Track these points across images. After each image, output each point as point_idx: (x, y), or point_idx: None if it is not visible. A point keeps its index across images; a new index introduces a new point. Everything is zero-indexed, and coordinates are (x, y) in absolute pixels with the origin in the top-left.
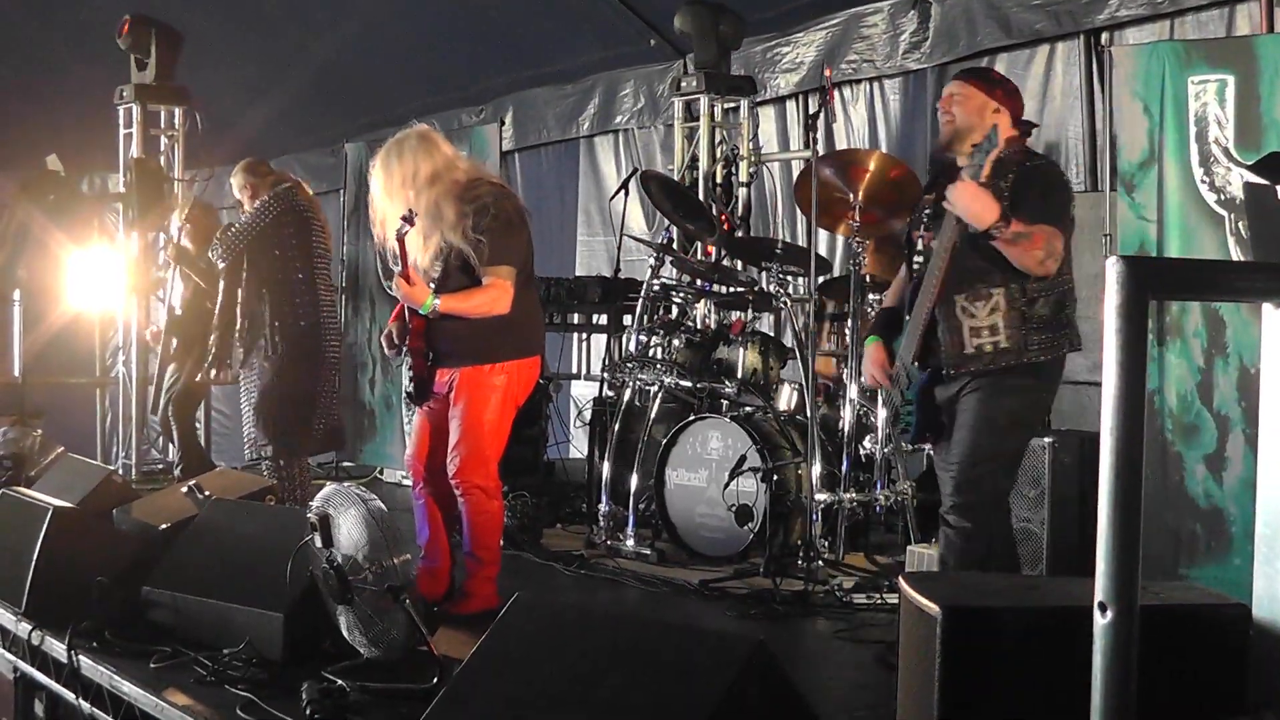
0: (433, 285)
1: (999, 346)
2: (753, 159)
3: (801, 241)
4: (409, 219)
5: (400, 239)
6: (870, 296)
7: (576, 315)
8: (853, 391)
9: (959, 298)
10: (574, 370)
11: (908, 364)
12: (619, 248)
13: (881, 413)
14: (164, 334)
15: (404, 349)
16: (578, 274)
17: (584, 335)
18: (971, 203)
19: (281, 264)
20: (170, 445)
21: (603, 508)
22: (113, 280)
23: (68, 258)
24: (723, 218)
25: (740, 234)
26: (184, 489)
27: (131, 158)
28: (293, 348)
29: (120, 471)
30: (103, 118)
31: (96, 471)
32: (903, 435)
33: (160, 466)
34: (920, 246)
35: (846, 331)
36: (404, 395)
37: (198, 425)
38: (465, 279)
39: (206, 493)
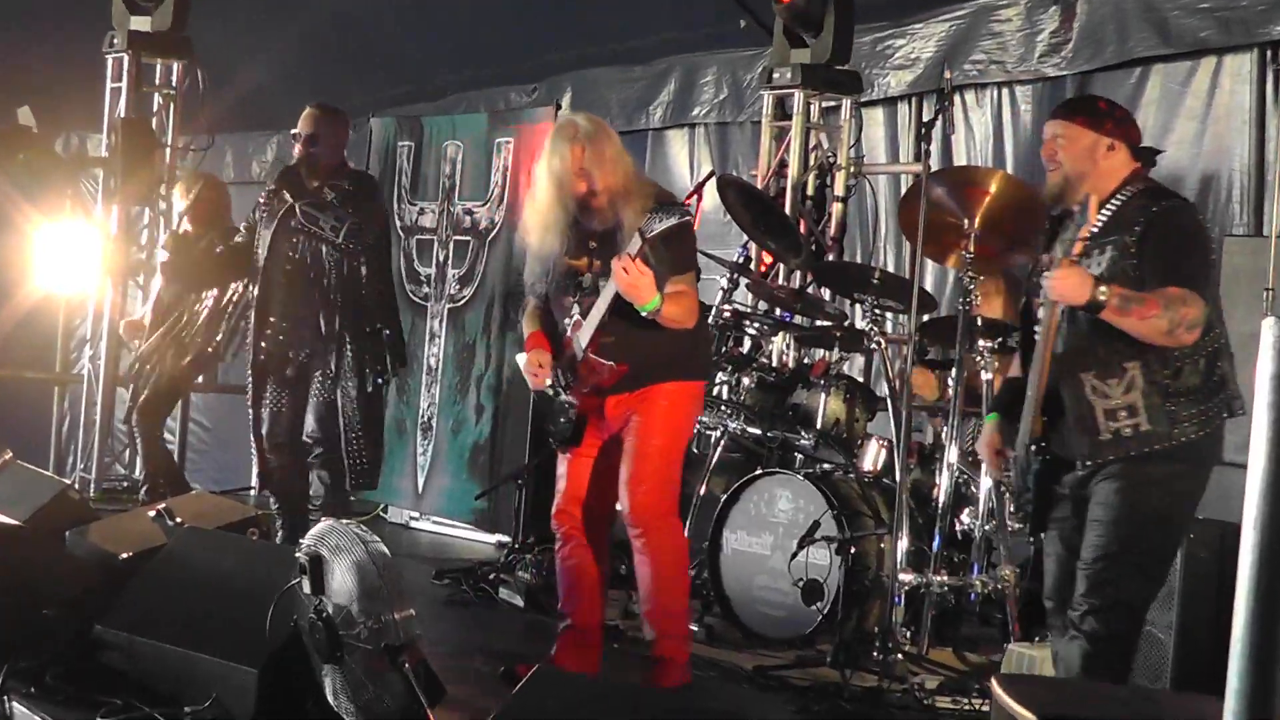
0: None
1: (1140, 429)
2: (852, 169)
3: (904, 272)
4: (680, 209)
5: (651, 237)
6: (981, 343)
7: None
8: (952, 455)
9: (1087, 376)
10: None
11: (1025, 447)
12: None
13: (984, 482)
14: (149, 328)
15: (563, 381)
16: None
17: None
18: (1060, 286)
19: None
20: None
21: None
22: (85, 260)
23: (34, 231)
24: (812, 237)
25: (831, 257)
26: (151, 513)
27: (118, 117)
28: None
29: (77, 486)
30: (87, 67)
31: (49, 484)
32: (1023, 525)
33: (125, 484)
34: (1039, 315)
35: (950, 381)
36: (553, 437)
37: (169, 439)
38: None
39: (178, 519)
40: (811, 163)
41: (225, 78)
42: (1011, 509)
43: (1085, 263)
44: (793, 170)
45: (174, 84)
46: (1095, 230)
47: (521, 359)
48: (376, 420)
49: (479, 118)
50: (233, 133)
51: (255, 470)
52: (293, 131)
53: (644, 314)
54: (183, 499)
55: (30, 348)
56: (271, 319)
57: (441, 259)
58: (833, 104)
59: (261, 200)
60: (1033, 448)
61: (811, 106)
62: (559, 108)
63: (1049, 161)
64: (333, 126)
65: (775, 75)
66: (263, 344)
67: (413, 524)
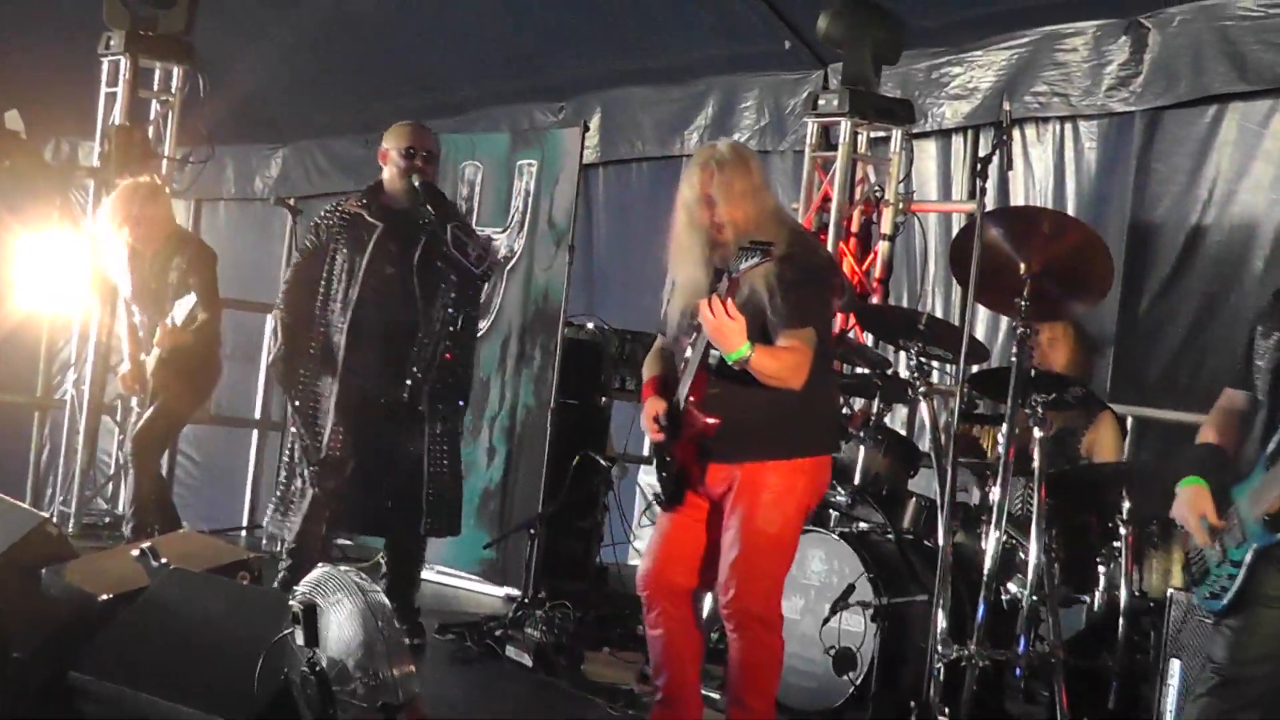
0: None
1: None
2: (901, 206)
3: (953, 318)
4: (763, 247)
5: (739, 276)
6: (1034, 396)
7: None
8: (1000, 517)
9: None
10: (644, 451)
11: (1251, 518)
12: None
13: (1032, 548)
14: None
15: (669, 434)
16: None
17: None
18: None
19: None
20: (123, 492)
21: None
22: (71, 276)
23: (17, 243)
24: (855, 277)
25: (875, 300)
26: (134, 552)
27: (112, 124)
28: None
29: (55, 520)
30: (81, 69)
31: (24, 517)
32: (1208, 600)
33: (107, 519)
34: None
35: (999, 438)
36: (654, 494)
37: (105, 459)
38: (755, 340)
39: (163, 559)
40: (857, 197)
41: (228, 85)
42: (1191, 577)
43: None
44: (836, 204)
45: (173, 90)
46: None
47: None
48: (457, 458)
49: (500, 137)
50: (235, 144)
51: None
52: (395, 150)
53: (730, 362)
54: (169, 538)
55: (9, 369)
56: (358, 354)
57: None
58: (882, 135)
59: (330, 220)
60: (1264, 520)
61: (859, 136)
62: (587, 128)
63: None
64: (437, 145)
65: (821, 102)
66: (350, 381)
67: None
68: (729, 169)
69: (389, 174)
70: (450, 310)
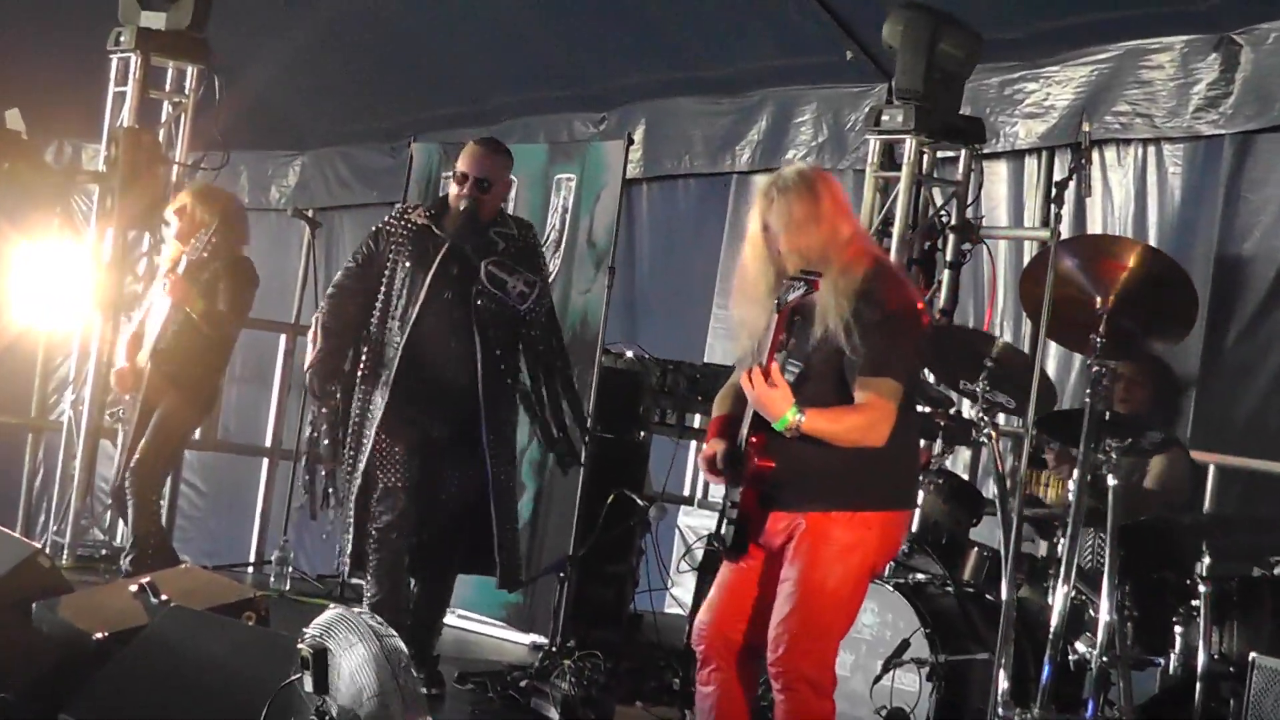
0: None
1: None
2: (969, 232)
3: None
4: (809, 278)
5: (785, 311)
6: (1108, 441)
7: (698, 416)
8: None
9: None
10: (685, 492)
11: None
12: None
13: (1104, 605)
14: (150, 370)
15: (731, 477)
16: (707, 360)
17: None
18: None
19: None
20: (121, 523)
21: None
22: (72, 290)
23: (14, 253)
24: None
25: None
26: (133, 587)
27: (120, 126)
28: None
29: (48, 551)
30: (88, 67)
31: (15, 548)
32: None
33: (104, 551)
34: None
35: (1069, 487)
36: (715, 542)
37: (161, 503)
38: (828, 388)
39: (163, 596)
40: (921, 222)
41: (244, 86)
42: None
43: None
44: (898, 229)
45: (186, 91)
46: None
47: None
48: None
49: (537, 149)
50: (251, 150)
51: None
52: (455, 171)
53: (780, 430)
54: (170, 574)
55: (2, 388)
56: (414, 379)
57: None
58: (950, 154)
59: (394, 228)
60: None
61: (924, 156)
62: (631, 141)
63: None
64: (504, 170)
65: (884, 117)
66: (403, 407)
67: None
68: (789, 194)
69: (449, 195)
70: (498, 351)
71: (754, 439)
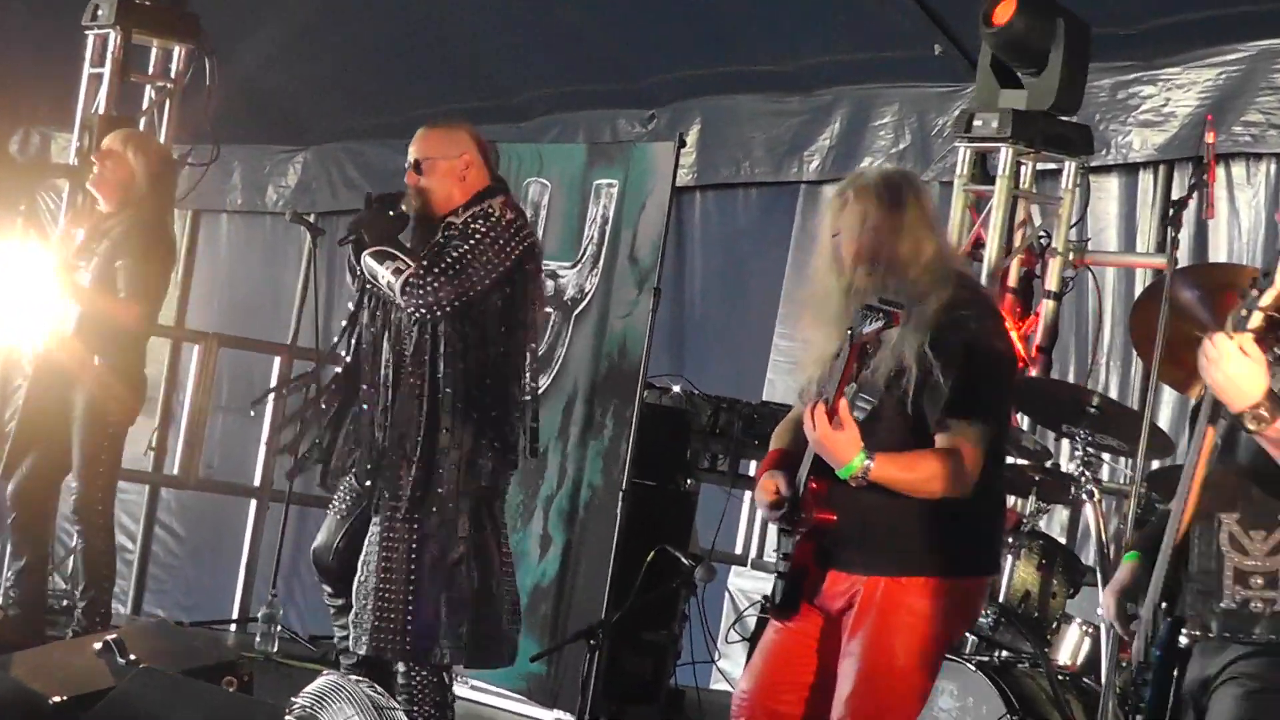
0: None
1: (1275, 609)
2: (1072, 256)
3: (1132, 400)
4: (890, 310)
5: (859, 344)
6: None
7: (754, 463)
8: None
9: (1228, 518)
10: (737, 549)
11: (1154, 607)
12: None
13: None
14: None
15: (796, 520)
16: (766, 398)
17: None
18: (1221, 368)
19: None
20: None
21: None
22: (35, 297)
23: None
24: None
25: (1035, 373)
26: (97, 644)
27: (95, 113)
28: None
29: (2, 601)
30: (58, 44)
31: None
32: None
33: (65, 601)
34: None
35: None
36: (764, 600)
37: (128, 546)
38: (902, 430)
39: (131, 656)
40: (1017, 243)
41: (240, 71)
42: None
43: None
44: (991, 252)
45: (172, 74)
46: None
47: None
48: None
49: (575, 149)
50: (245, 145)
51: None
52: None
53: (844, 479)
54: (140, 629)
55: None
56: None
57: None
58: (1052, 166)
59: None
60: (1162, 605)
61: (1023, 168)
62: (683, 143)
63: None
64: (448, 145)
65: (977, 123)
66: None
67: (472, 696)
68: (867, 197)
69: None
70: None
71: (814, 486)
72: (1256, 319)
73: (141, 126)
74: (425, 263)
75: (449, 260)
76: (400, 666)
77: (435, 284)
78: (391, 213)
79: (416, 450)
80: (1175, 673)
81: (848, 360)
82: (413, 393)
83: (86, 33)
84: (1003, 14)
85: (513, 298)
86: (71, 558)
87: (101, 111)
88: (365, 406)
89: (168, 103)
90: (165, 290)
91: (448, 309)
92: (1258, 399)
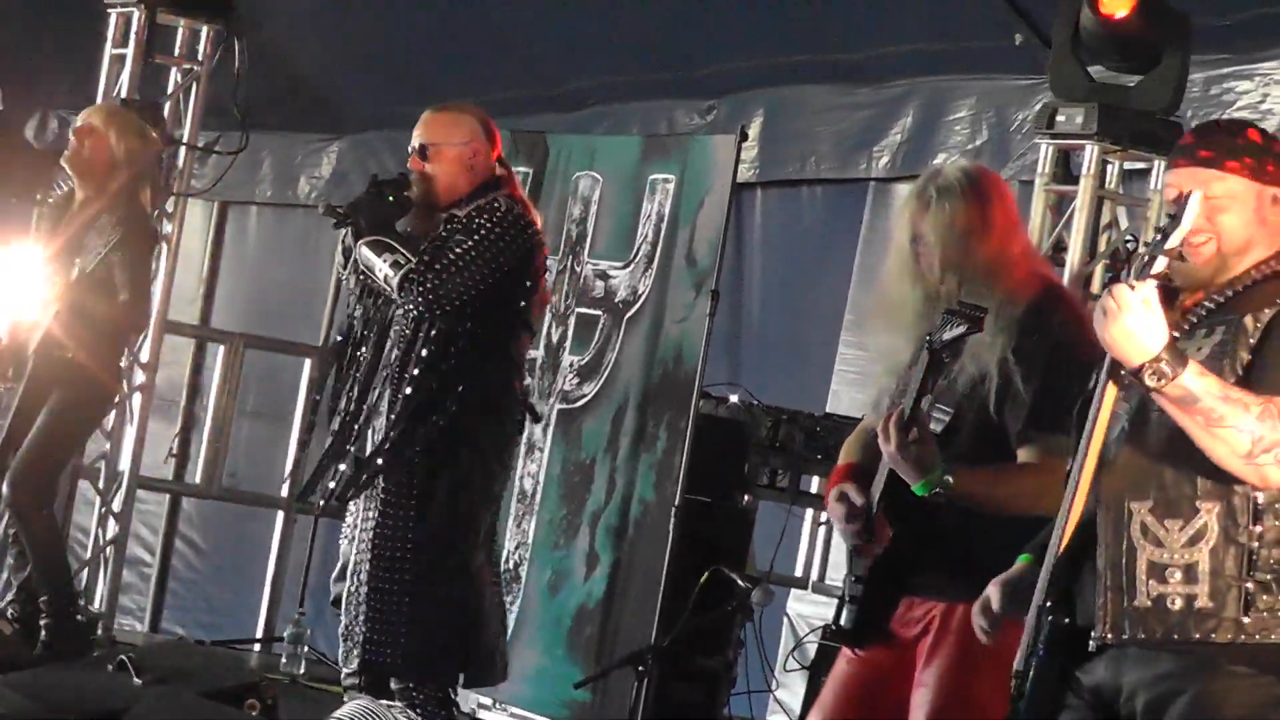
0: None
1: (1195, 606)
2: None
3: None
4: (973, 315)
5: (938, 349)
6: None
7: (816, 479)
8: None
9: (1139, 507)
10: (797, 571)
11: (1037, 608)
12: None
13: None
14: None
15: (869, 540)
16: (830, 410)
17: (823, 515)
18: (1120, 321)
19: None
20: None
21: None
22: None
23: None
24: None
25: None
26: (110, 665)
27: (117, 96)
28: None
29: (10, 615)
30: (79, 23)
31: None
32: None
33: (80, 617)
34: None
35: None
36: (833, 627)
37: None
38: (983, 442)
39: (147, 675)
40: (1102, 247)
41: (272, 53)
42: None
43: (1184, 345)
44: (1073, 256)
45: (199, 56)
46: (1213, 305)
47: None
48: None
49: (629, 142)
50: (276, 132)
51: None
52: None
53: (920, 495)
54: (158, 649)
55: None
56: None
57: (555, 339)
58: (1141, 166)
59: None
60: (1046, 605)
61: (1109, 168)
62: (745, 137)
63: (1199, 234)
64: (454, 130)
65: (1059, 118)
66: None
67: (483, 714)
68: (951, 197)
69: None
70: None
71: (886, 502)
72: (1160, 264)
73: (166, 111)
74: (426, 258)
75: (450, 257)
76: (395, 684)
77: (435, 281)
78: (392, 198)
79: (410, 452)
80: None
81: (925, 369)
82: (406, 391)
83: (109, 11)
84: (1114, 4)
85: (514, 296)
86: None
87: (124, 94)
88: (355, 404)
89: (194, 86)
90: (150, 282)
91: (447, 308)
92: (1156, 352)
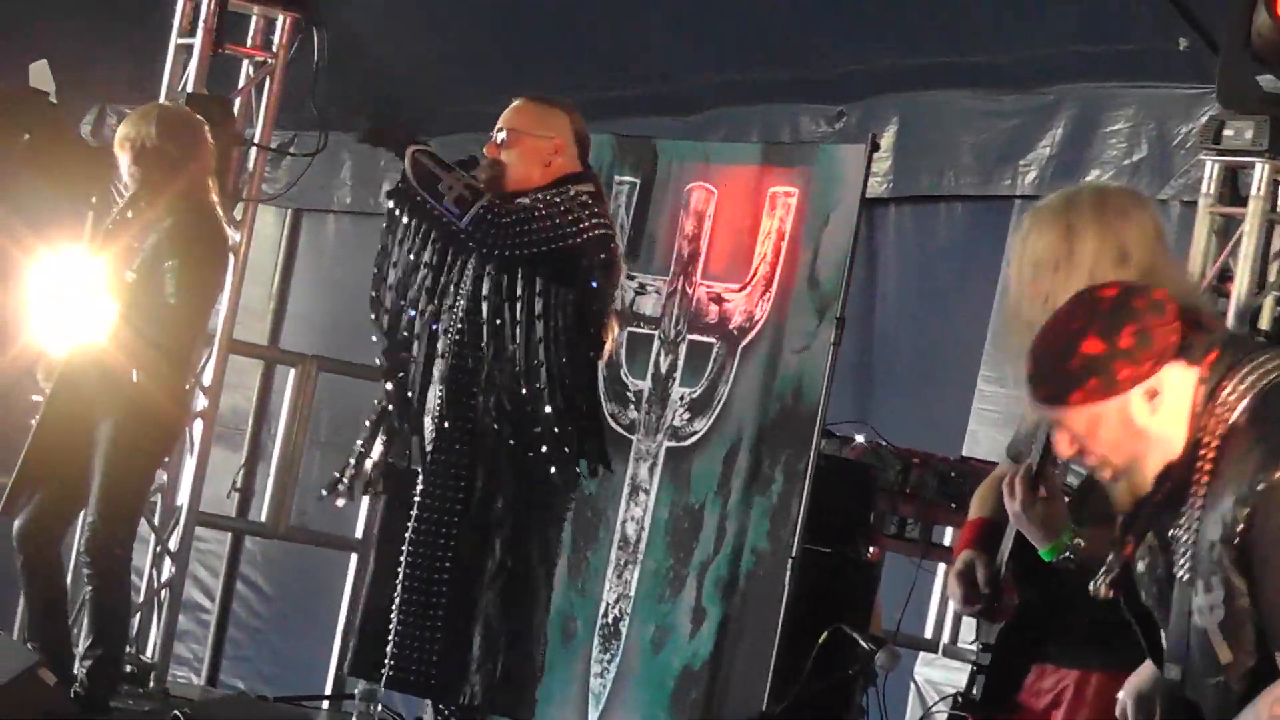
0: None
1: None
2: None
3: None
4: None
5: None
6: None
7: (949, 529)
8: None
9: None
10: (926, 633)
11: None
12: None
13: None
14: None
15: (988, 607)
16: (967, 453)
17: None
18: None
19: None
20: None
21: None
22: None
23: (32, 266)
24: None
25: None
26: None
27: (183, 91)
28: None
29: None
30: (142, 10)
31: (14, 656)
32: None
33: (131, 669)
34: None
35: None
36: (964, 697)
37: (206, 607)
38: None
39: None
40: (1273, 277)
41: (355, 46)
42: None
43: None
44: (1240, 287)
45: (274, 47)
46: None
47: None
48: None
49: (748, 149)
50: (351, 133)
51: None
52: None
53: (1048, 561)
54: (217, 705)
55: (5, 442)
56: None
57: (664, 368)
58: None
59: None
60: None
61: None
62: (876, 146)
63: (1091, 462)
64: (539, 120)
65: (1227, 132)
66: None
67: None
68: (1035, 224)
69: None
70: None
71: (1017, 563)
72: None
73: (236, 107)
74: (498, 201)
75: (518, 207)
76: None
77: (506, 220)
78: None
79: (465, 446)
80: None
81: (1045, 446)
82: (470, 386)
83: None
84: None
85: (587, 294)
86: (139, 614)
87: (190, 88)
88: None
89: (268, 80)
90: (218, 295)
91: (518, 253)
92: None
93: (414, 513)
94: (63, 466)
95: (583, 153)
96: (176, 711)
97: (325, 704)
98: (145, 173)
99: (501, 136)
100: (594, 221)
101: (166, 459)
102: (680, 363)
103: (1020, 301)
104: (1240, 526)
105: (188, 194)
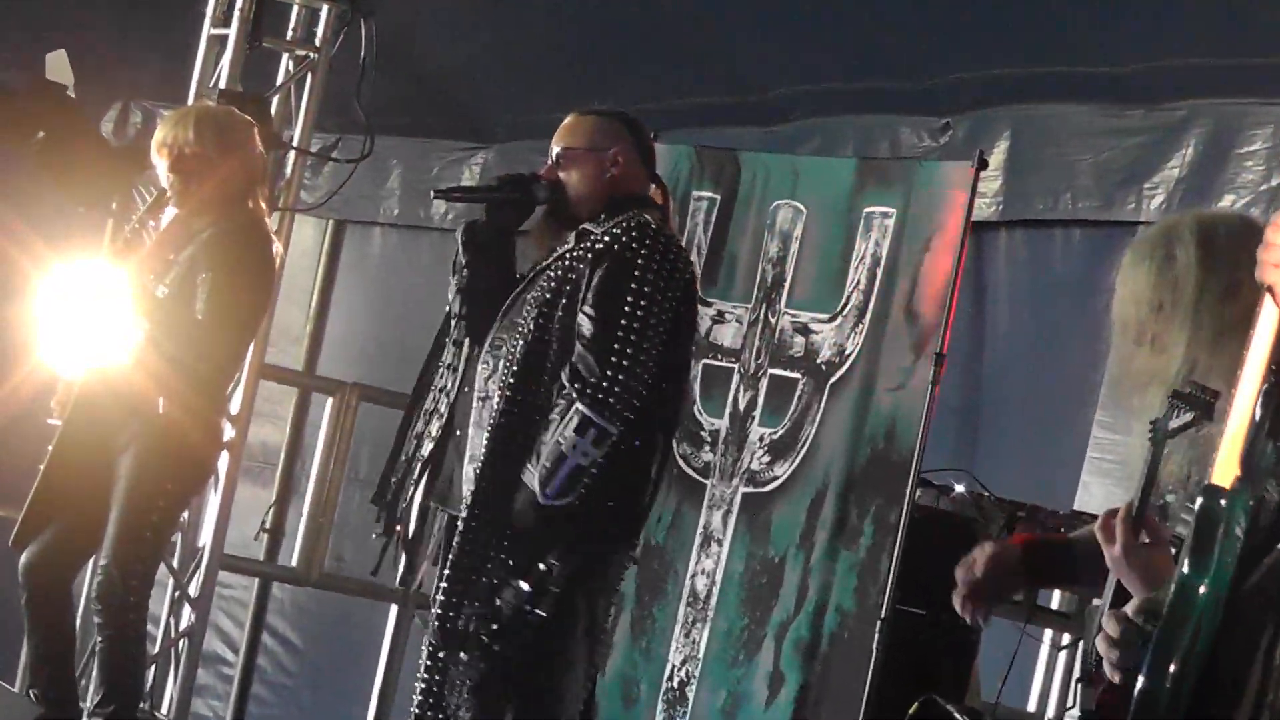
0: None
1: None
2: None
3: None
4: (1203, 400)
5: (1160, 440)
6: None
7: (1056, 594)
8: None
9: None
10: (1030, 704)
11: None
12: None
13: None
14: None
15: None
16: (1078, 507)
17: (1064, 637)
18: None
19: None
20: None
21: None
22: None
23: (40, 272)
24: None
25: None
26: None
27: (214, 87)
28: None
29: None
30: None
31: (13, 709)
32: None
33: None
34: None
35: None
36: None
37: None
38: None
39: None
40: None
41: (406, 41)
42: None
43: None
44: None
45: (317, 40)
46: None
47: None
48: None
49: (840, 165)
50: (408, 138)
51: None
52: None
53: None
54: None
55: (10, 468)
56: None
57: (743, 405)
58: None
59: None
60: None
61: None
62: (984, 164)
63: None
64: (595, 136)
65: None
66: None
67: None
68: (1188, 259)
69: None
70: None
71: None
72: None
73: (274, 106)
74: (592, 357)
75: (617, 343)
76: None
77: (617, 388)
78: (518, 196)
79: (512, 496)
80: None
81: (1151, 462)
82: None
83: None
84: None
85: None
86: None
87: (224, 84)
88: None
89: (309, 77)
90: (261, 316)
91: (635, 403)
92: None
93: (446, 571)
94: (79, 501)
95: (647, 161)
96: None
97: None
98: (184, 181)
99: (556, 154)
100: (675, 284)
101: (193, 499)
102: (761, 400)
103: (1125, 346)
104: None
105: (231, 202)
